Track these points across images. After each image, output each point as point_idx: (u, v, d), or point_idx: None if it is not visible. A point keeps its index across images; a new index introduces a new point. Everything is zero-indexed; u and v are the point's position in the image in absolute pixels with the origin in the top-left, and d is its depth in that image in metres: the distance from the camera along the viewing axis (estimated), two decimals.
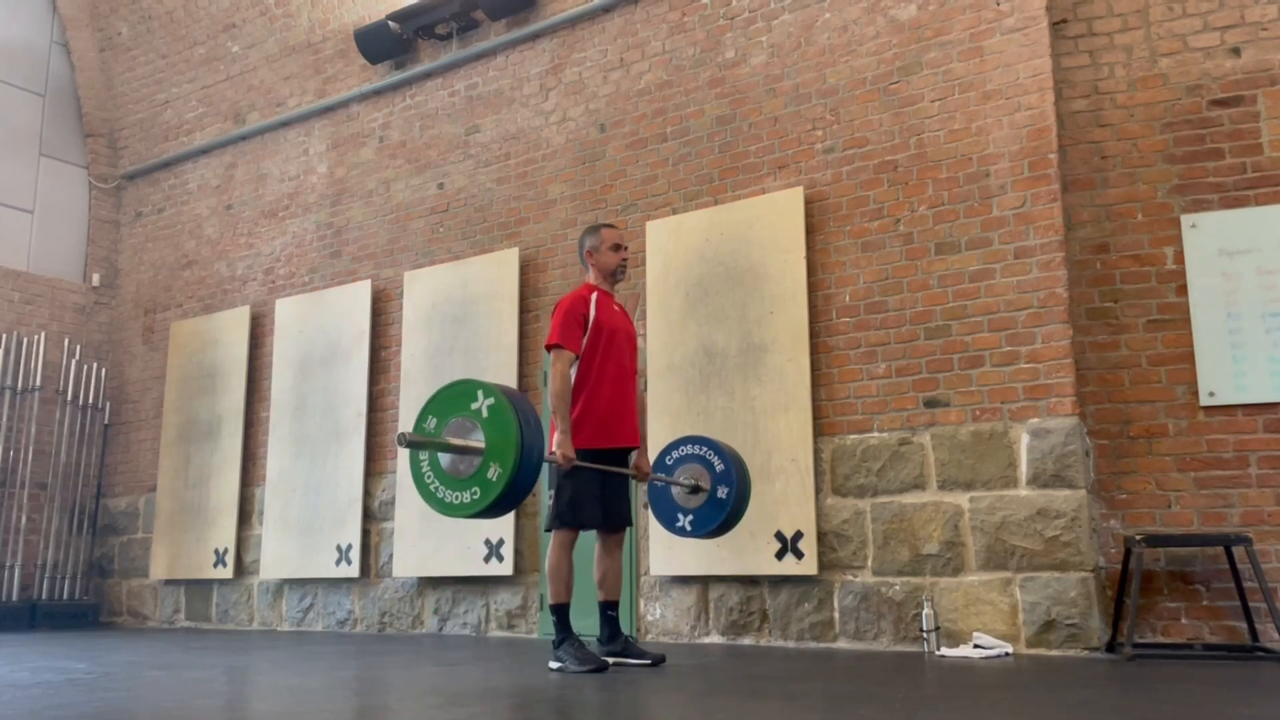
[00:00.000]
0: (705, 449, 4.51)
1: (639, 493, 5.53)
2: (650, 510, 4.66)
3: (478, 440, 3.36)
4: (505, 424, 3.33)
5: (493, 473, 3.30)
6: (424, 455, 3.44)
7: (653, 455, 4.59)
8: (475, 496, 3.33)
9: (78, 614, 8.03)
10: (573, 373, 4.12)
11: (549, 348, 4.12)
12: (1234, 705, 2.79)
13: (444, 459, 3.42)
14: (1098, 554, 4.67)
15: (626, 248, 4.41)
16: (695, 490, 4.47)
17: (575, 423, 4.05)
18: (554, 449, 3.98)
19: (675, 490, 4.52)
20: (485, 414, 3.37)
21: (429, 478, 3.43)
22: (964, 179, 5.10)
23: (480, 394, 3.41)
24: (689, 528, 4.47)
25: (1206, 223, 4.85)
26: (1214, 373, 4.73)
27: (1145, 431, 4.82)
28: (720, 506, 4.40)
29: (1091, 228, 5.06)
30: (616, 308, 4.34)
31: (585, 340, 4.15)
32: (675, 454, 4.56)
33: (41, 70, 8.82)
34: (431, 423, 3.44)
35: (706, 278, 5.70)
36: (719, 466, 4.45)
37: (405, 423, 6.71)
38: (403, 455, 6.67)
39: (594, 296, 4.24)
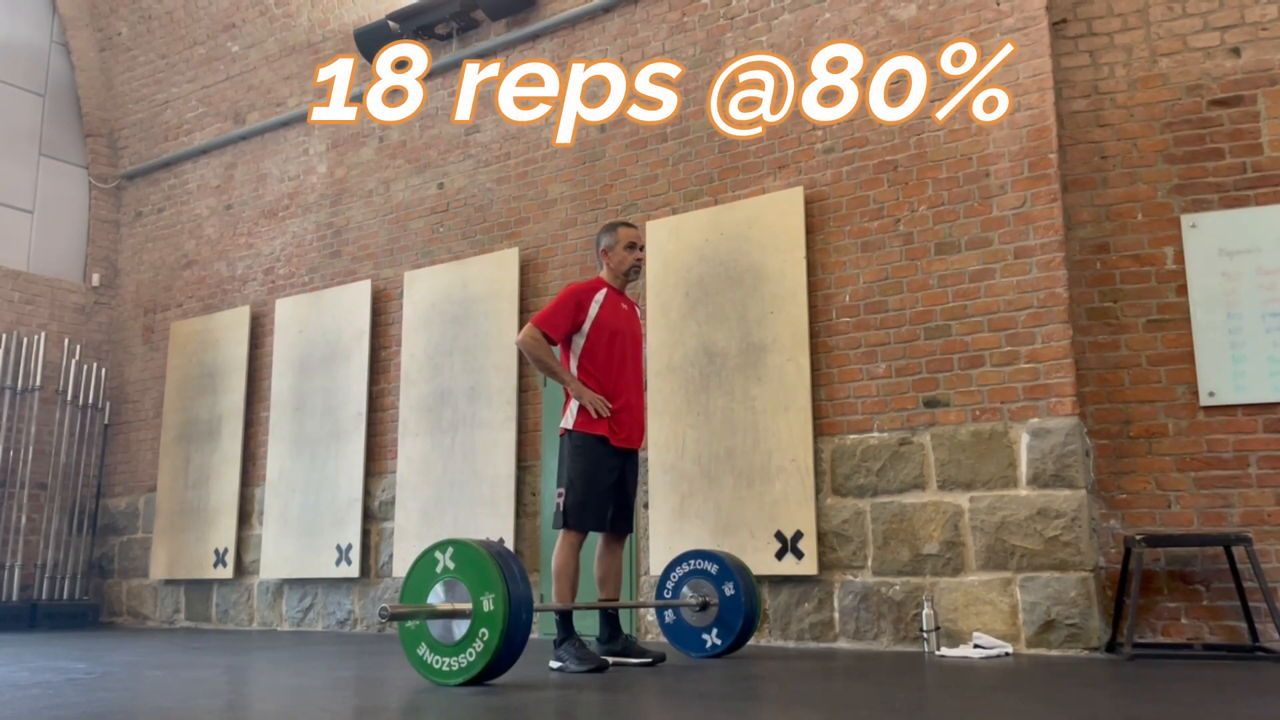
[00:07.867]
0: (694, 561, 4.56)
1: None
2: (672, 645, 4.67)
3: (461, 596, 3.31)
4: (473, 556, 3.32)
5: (487, 603, 3.24)
6: (412, 623, 3.39)
7: (646, 588, 4.44)
8: (485, 638, 3.23)
9: (78, 614, 8.03)
10: (573, 361, 4.18)
11: (532, 324, 4.10)
12: (1234, 705, 2.78)
13: (435, 628, 3.36)
14: (1098, 554, 4.67)
15: (643, 248, 4.37)
16: (704, 606, 4.49)
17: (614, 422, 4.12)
18: (572, 401, 4.05)
19: (686, 613, 4.54)
20: (453, 566, 3.36)
21: (428, 657, 3.37)
22: (964, 179, 5.10)
23: (437, 553, 3.43)
24: (719, 642, 4.45)
25: (1206, 223, 4.85)
26: (1214, 373, 4.73)
27: (1145, 431, 4.82)
28: (735, 602, 4.41)
29: (1091, 228, 5.06)
30: (624, 307, 4.31)
31: (584, 338, 4.15)
32: (671, 580, 4.61)
33: (41, 70, 8.82)
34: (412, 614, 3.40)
35: (706, 277, 5.70)
36: (714, 569, 4.49)
37: (405, 422, 6.71)
38: (403, 471, 6.67)
39: (601, 294, 4.22)
